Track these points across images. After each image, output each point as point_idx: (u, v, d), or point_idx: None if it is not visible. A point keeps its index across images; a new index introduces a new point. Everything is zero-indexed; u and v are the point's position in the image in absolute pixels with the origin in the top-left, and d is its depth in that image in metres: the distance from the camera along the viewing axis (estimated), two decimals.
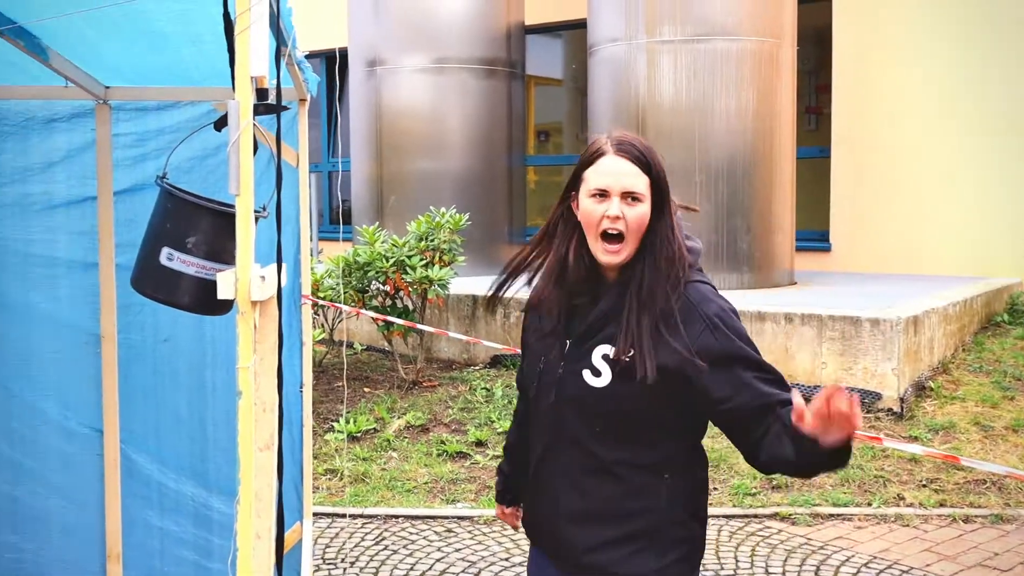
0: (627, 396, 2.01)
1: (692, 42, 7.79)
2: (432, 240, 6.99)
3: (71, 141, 3.94)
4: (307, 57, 4.07)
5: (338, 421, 6.36)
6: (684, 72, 7.80)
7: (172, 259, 2.44)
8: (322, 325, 7.59)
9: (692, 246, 2.15)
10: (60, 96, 3.89)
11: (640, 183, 2.05)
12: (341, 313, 7.43)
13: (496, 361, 7.49)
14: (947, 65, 9.28)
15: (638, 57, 7.98)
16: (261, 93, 2.62)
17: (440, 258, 6.98)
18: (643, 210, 2.04)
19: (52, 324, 3.97)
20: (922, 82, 9.37)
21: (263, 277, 2.24)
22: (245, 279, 2.21)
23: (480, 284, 8.25)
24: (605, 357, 2.03)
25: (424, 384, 7.10)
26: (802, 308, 6.62)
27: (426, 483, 5.55)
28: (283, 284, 2.62)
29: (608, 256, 2.04)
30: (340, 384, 7.23)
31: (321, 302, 6.75)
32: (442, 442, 6.04)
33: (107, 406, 3.96)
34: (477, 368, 7.43)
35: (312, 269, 7.31)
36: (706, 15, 7.79)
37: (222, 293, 2.24)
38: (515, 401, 6.55)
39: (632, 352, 1.99)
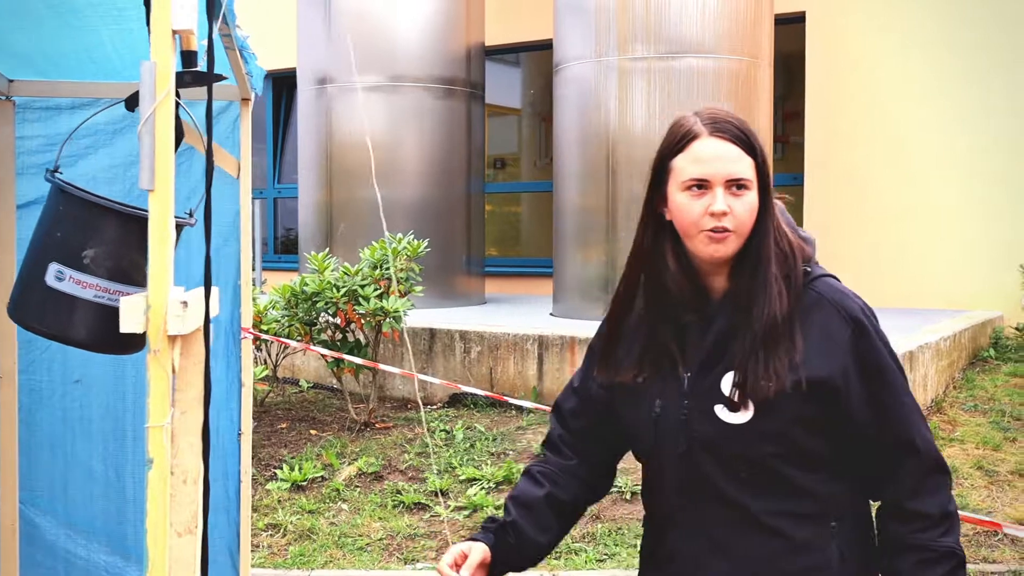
0: (775, 430, 1.64)
1: (666, 59, 7.33)
2: (387, 268, 6.40)
3: None
4: None
5: (281, 468, 5.72)
6: (657, 91, 7.33)
7: (63, 278, 1.82)
8: (265, 361, 6.94)
9: (806, 236, 1.77)
10: None
11: (745, 167, 1.64)
12: (286, 348, 6.80)
13: (455, 400, 6.90)
14: (923, 92, 8.98)
15: (608, 76, 7.50)
16: (187, 58, 2.05)
17: (396, 288, 6.39)
18: (752, 200, 1.66)
19: None
20: (897, 110, 9.05)
21: (185, 303, 1.66)
22: (160, 306, 1.62)
23: (437, 316, 7.70)
24: (739, 385, 1.63)
25: (377, 426, 6.48)
26: None
27: (380, 539, 4.94)
28: (214, 313, 2.02)
29: (712, 246, 1.64)
30: (284, 426, 6.58)
31: (264, 336, 6.12)
32: (398, 491, 5.43)
33: (4, 460, 3.31)
34: (435, 407, 6.84)
35: (254, 300, 6.68)
36: (681, 32, 7.34)
37: (126, 324, 1.64)
38: (477, 445, 5.99)
39: (771, 374, 1.62)
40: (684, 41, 7.34)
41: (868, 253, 9.04)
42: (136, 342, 1.90)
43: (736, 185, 1.64)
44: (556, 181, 8.09)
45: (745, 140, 1.66)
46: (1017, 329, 7.29)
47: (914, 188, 8.92)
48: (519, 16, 10.82)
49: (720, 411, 1.66)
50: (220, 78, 1.86)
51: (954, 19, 8.90)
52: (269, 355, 6.95)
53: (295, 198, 9.80)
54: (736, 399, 1.64)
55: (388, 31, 8.78)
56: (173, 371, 1.71)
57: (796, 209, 9.42)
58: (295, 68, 9.61)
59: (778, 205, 1.73)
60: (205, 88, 1.95)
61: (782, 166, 9.99)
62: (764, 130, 7.69)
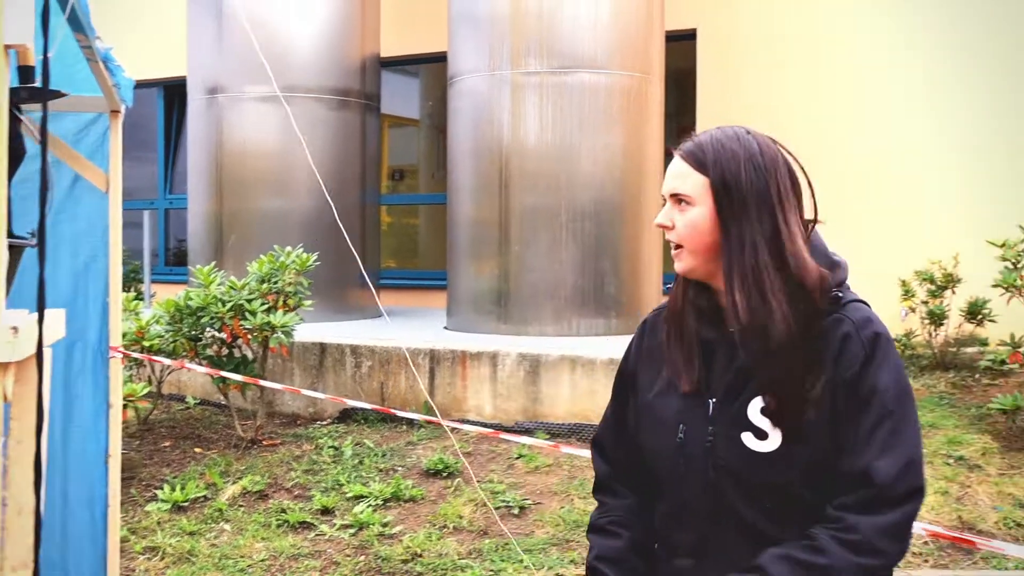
0: (804, 457, 1.61)
1: (558, 74, 7.38)
2: (275, 282, 6.29)
3: None
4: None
5: (162, 488, 5.56)
6: (550, 105, 7.37)
7: None
8: (149, 377, 6.75)
9: (838, 260, 1.77)
10: None
11: (687, 183, 1.68)
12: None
13: (346, 415, 6.81)
14: (805, 109, 9.23)
15: (502, 89, 7.52)
16: (24, 73, 1.97)
17: (284, 302, 6.28)
18: (694, 216, 1.69)
19: None
20: (783, 125, 9.27)
21: (15, 329, 1.59)
22: None
23: (329, 330, 7.59)
24: (766, 412, 1.62)
25: (264, 443, 6.35)
26: None
27: (263, 560, 4.83)
28: (57, 336, 1.94)
29: (675, 261, 1.74)
30: (167, 444, 6.41)
31: (135, 355, 5.94)
32: (283, 510, 5.32)
33: None
34: (324, 423, 6.74)
35: (138, 314, 6.49)
36: (573, 47, 7.40)
37: None
38: (366, 461, 5.92)
39: (794, 401, 1.61)
40: (576, 56, 7.40)
41: None
42: None
43: (678, 200, 1.70)
44: (450, 194, 8.07)
45: (698, 157, 1.68)
46: (896, 340, 7.51)
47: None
48: (415, 28, 10.79)
49: (747, 439, 1.64)
50: (57, 95, 1.78)
51: (843, 32, 9.18)
52: (153, 371, 6.76)
53: (186, 209, 9.57)
54: (762, 428, 1.62)
55: (281, 41, 8.65)
56: (6, 399, 1.63)
57: None
58: (186, 76, 9.40)
59: (792, 228, 1.68)
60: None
61: None
62: (655, 144, 7.80)
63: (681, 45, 9.63)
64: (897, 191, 8.93)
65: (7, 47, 1.59)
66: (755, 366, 1.64)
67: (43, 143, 1.74)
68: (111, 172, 3.49)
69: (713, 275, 1.71)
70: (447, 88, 8.20)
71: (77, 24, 2.57)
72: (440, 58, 10.31)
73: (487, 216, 7.58)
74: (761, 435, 1.63)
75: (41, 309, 1.69)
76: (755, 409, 1.64)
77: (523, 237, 7.42)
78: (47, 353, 1.69)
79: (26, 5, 1.60)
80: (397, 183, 12.48)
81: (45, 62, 1.76)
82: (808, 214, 1.78)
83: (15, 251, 1.95)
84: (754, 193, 1.66)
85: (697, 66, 9.73)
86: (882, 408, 1.60)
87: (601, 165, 7.42)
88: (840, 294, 1.71)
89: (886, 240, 8.88)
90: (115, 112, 3.48)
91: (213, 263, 7.13)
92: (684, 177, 1.69)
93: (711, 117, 9.60)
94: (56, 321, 1.84)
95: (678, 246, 1.72)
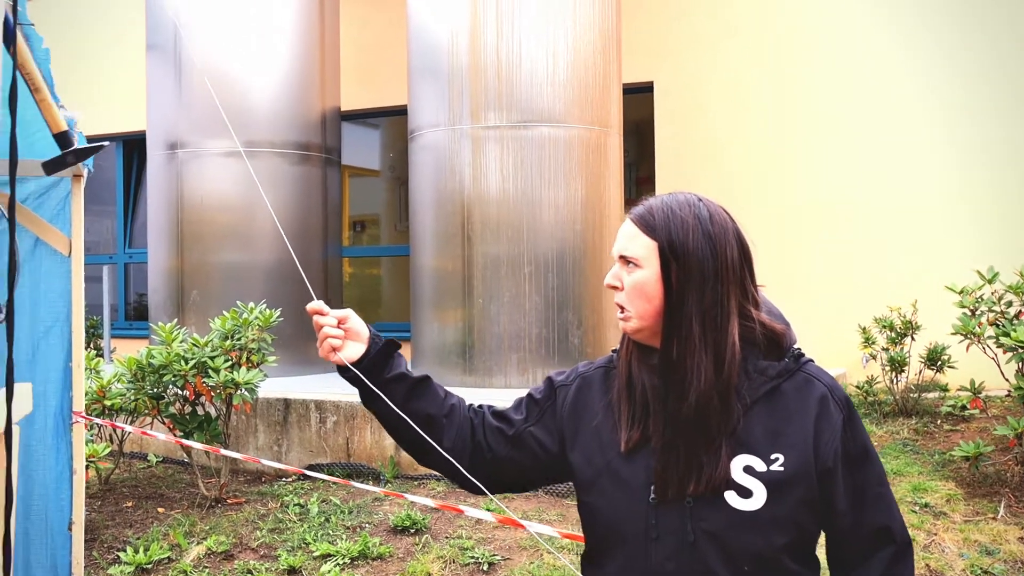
0: (786, 515, 1.64)
1: (518, 128, 7.46)
2: (239, 339, 6.25)
3: None
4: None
5: (125, 550, 5.46)
6: (511, 159, 7.45)
7: None
8: (110, 436, 6.66)
9: (785, 321, 1.83)
10: None
11: (635, 245, 1.72)
12: (133, 421, 6.53)
13: (311, 471, 6.73)
14: (765, 155, 9.40)
15: (462, 143, 7.58)
16: (64, 138, 1.99)
17: (248, 359, 6.24)
18: (641, 277, 1.71)
19: None
20: (735, 169, 9.42)
21: None
22: None
23: (293, 385, 7.54)
24: (750, 470, 1.64)
25: (229, 501, 6.27)
26: None
27: None
28: (26, 411, 1.93)
29: (618, 319, 1.77)
30: (129, 505, 6.31)
31: (96, 420, 5.86)
32: (249, 571, 5.25)
33: None
34: (289, 481, 6.67)
35: (99, 372, 6.42)
36: (532, 101, 7.49)
37: None
38: (332, 519, 5.86)
39: (779, 456, 1.66)
40: (536, 110, 7.49)
41: None
42: None
43: (626, 261, 1.73)
44: (413, 246, 8.09)
45: (647, 221, 1.72)
46: (857, 387, 7.59)
47: (762, 247, 9.26)
48: (375, 81, 10.88)
49: (732, 498, 1.65)
50: (72, 163, 1.80)
51: (797, 81, 9.37)
52: (114, 430, 6.66)
53: (146, 263, 9.52)
54: (747, 486, 1.64)
55: (241, 96, 8.68)
56: None
57: None
58: (144, 130, 9.39)
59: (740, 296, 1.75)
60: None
61: None
62: (615, 195, 7.89)
63: (638, 97, 9.78)
64: (855, 237, 9.08)
65: None
66: (741, 426, 1.68)
67: (11, 220, 1.75)
68: (73, 236, 3.48)
69: (656, 336, 1.73)
70: (408, 141, 8.25)
71: (36, 86, 2.57)
72: (400, 111, 10.40)
73: (450, 267, 7.61)
74: (745, 493, 1.64)
75: (10, 388, 1.68)
76: (740, 467, 1.66)
77: (487, 288, 7.45)
78: (15, 431, 1.68)
79: None
80: (359, 234, 12.48)
81: (13, 132, 1.77)
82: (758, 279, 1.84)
83: None
84: (701, 260, 1.70)
85: (655, 117, 9.88)
86: (874, 466, 1.72)
87: (563, 216, 7.48)
88: (801, 352, 1.78)
89: (845, 287, 9.01)
90: (77, 176, 3.48)
91: (175, 319, 7.08)
92: (633, 239, 1.74)
93: (669, 167, 9.73)
94: (23, 396, 1.83)
95: (621, 308, 1.76)
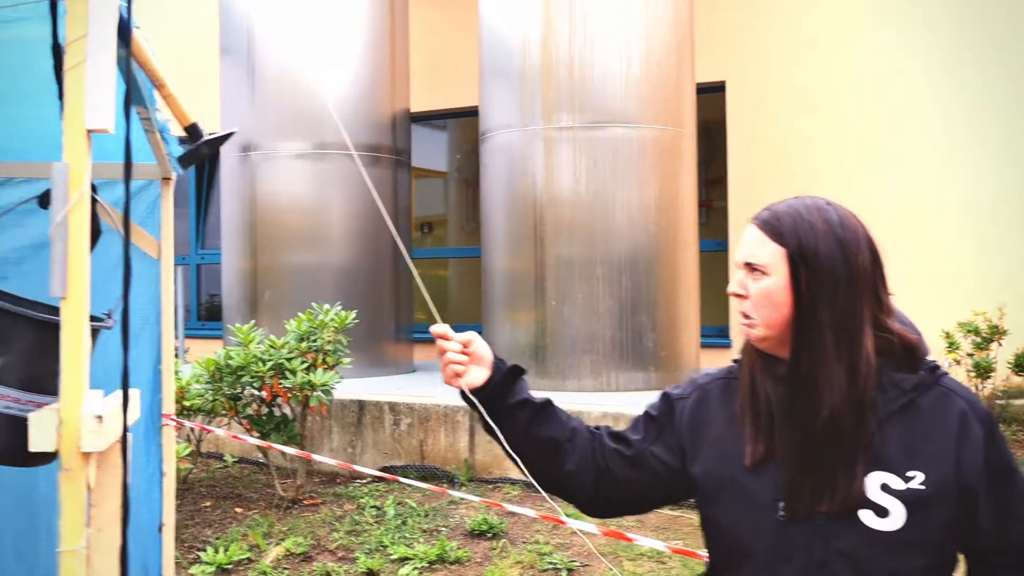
0: (928, 538, 1.56)
1: (591, 128, 7.39)
2: (315, 340, 6.28)
3: None
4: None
5: (205, 550, 5.50)
6: (584, 160, 7.38)
7: None
8: (188, 437, 6.73)
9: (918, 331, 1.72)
10: None
11: (763, 251, 1.63)
12: (210, 421, 6.59)
13: (386, 472, 6.74)
14: (841, 156, 9.21)
15: (535, 144, 7.54)
16: (193, 130, 2.00)
17: (323, 360, 6.27)
18: (769, 285, 1.64)
19: None
20: (815, 170, 9.24)
21: (100, 417, 1.56)
22: (73, 421, 1.52)
23: (366, 387, 7.56)
24: (887, 488, 1.56)
25: (305, 502, 6.30)
26: None
27: None
28: (134, 418, 1.92)
29: (743, 328, 1.70)
30: (208, 505, 6.36)
31: (187, 424, 5.93)
32: (327, 573, 5.25)
33: None
34: (364, 482, 6.68)
35: (177, 373, 6.49)
36: (604, 101, 7.42)
37: (36, 442, 1.54)
38: (409, 521, 5.85)
39: (917, 474, 1.57)
40: (608, 110, 7.42)
41: None
42: (45, 455, 1.79)
43: (752, 269, 1.66)
44: (484, 247, 8.07)
45: (774, 227, 1.65)
46: None
47: None
48: (445, 83, 10.88)
49: (866, 517, 1.58)
50: (206, 153, 1.80)
51: (876, 81, 9.17)
52: (192, 430, 6.74)
53: (218, 264, 9.63)
54: (885, 505, 1.57)
55: (313, 99, 8.74)
56: (88, 488, 1.61)
57: (723, 273, 9.55)
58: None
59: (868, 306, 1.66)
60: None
61: (706, 231, 10.12)
62: (689, 196, 7.78)
63: (711, 97, 9.65)
64: (939, 241, 8.86)
65: (89, 132, 1.59)
66: (878, 439, 1.60)
67: (126, 225, 1.74)
68: (162, 238, 3.49)
69: (783, 346, 1.66)
70: (479, 143, 8.23)
71: (139, 98, 2.59)
72: (467, 113, 10.40)
73: (522, 269, 7.57)
74: (882, 512, 1.57)
75: (126, 394, 1.67)
76: (876, 485, 1.58)
77: (559, 290, 7.40)
78: (129, 437, 1.67)
79: (107, 92, 1.60)
80: (426, 236, 12.51)
81: (127, 151, 1.76)
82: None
83: (92, 333, 1.93)
84: (832, 267, 1.62)
85: (727, 117, 9.74)
86: (1020, 482, 1.63)
87: (636, 218, 7.40)
88: (936, 365, 1.69)
89: (927, 291, 8.79)
90: (167, 179, 3.50)
91: (249, 320, 7.14)
92: (760, 245, 1.66)
93: (741, 168, 9.58)
94: (133, 403, 1.82)
95: (746, 317, 1.69)
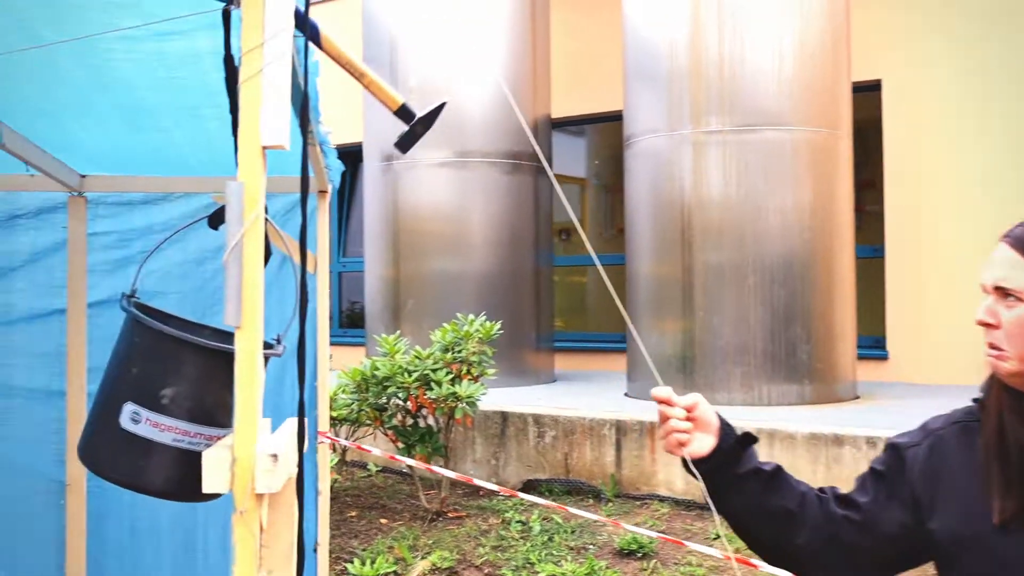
0: None
1: (742, 132, 7.12)
2: (459, 351, 6.20)
3: (36, 242, 3.21)
4: None
5: (352, 562, 5.48)
6: (734, 164, 7.11)
7: (139, 420, 1.63)
8: (333, 446, 6.75)
9: None
10: (24, 187, 3.17)
11: (1018, 275, 1.43)
12: (355, 431, 6.59)
13: (529, 486, 6.63)
14: (1007, 158, 8.65)
15: (682, 149, 7.30)
16: (404, 111, 1.96)
17: (468, 371, 6.18)
18: (1021, 313, 1.42)
19: (3, 468, 3.18)
20: (980, 174, 8.71)
21: (275, 456, 1.46)
22: (247, 459, 1.42)
23: (507, 397, 7.45)
24: None
25: (449, 515, 6.23)
26: (882, 430, 5.79)
27: None
28: (303, 452, 1.83)
29: (991, 361, 1.49)
30: (353, 514, 6.36)
31: (343, 442, 5.93)
32: None
33: (70, 572, 3.14)
34: (508, 494, 6.57)
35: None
36: (756, 103, 7.14)
37: (209, 483, 1.44)
38: (556, 538, 5.70)
39: None
40: (760, 112, 7.13)
41: (955, 326, 8.64)
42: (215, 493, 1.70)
43: (1004, 294, 1.46)
44: (629, 253, 7.88)
45: None
46: None
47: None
48: (586, 88, 10.71)
49: None
50: (422, 132, 1.76)
51: None
52: (336, 439, 6.75)
53: (359, 272, 9.70)
54: None
55: (454, 107, 8.70)
56: (261, 529, 1.50)
57: (878, 281, 9.10)
58: (358, 142, 9.58)
59: None
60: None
61: (860, 237, 9.67)
62: (845, 201, 7.42)
63: (866, 96, 9.21)
64: None
65: (264, 148, 1.49)
66: None
67: (303, 245, 1.64)
68: (319, 252, 3.44)
69: None
70: (623, 148, 8.04)
71: (316, 113, 2.52)
72: (607, 118, 10.22)
73: (669, 275, 7.35)
74: None
75: (301, 432, 1.56)
76: None
77: (708, 298, 7.14)
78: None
79: (282, 107, 1.50)
80: (565, 242, 12.37)
81: (304, 170, 1.66)
82: None
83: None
84: None
85: (883, 117, 9.27)
86: None
87: (790, 223, 7.09)
88: None
89: None
90: (323, 192, 3.44)
91: (392, 328, 7.13)
92: (1015, 268, 1.45)
93: (898, 172, 9.12)
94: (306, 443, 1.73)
95: (993, 348, 1.47)
